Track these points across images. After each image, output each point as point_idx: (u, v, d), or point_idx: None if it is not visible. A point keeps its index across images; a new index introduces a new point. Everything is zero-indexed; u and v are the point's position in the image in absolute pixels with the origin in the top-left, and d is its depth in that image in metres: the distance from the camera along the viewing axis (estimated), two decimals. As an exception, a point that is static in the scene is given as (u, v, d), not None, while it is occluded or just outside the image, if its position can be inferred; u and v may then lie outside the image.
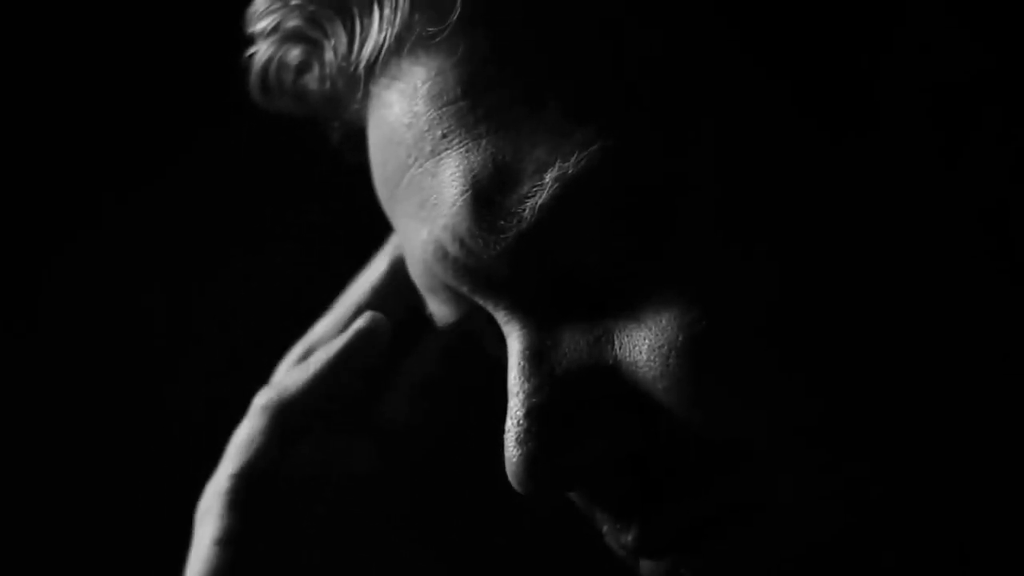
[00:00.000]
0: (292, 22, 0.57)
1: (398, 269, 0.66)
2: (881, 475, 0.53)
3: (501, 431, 0.55)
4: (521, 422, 0.53)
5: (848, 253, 0.52)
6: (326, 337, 0.68)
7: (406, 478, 0.68)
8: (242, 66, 0.61)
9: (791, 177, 0.52)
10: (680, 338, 0.51)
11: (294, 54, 0.58)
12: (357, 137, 0.61)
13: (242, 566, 0.65)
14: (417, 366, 0.67)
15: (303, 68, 0.59)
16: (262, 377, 0.71)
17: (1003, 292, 0.53)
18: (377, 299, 0.67)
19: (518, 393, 0.54)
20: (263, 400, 0.66)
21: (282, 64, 0.59)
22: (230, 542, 0.65)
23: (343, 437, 0.67)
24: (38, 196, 1.02)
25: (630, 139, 0.51)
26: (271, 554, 0.65)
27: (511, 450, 0.53)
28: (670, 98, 0.52)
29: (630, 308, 0.53)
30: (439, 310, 0.59)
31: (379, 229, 0.61)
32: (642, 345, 0.52)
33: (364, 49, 0.55)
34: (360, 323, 0.66)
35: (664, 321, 0.52)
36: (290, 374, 0.66)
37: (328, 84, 0.58)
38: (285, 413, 0.65)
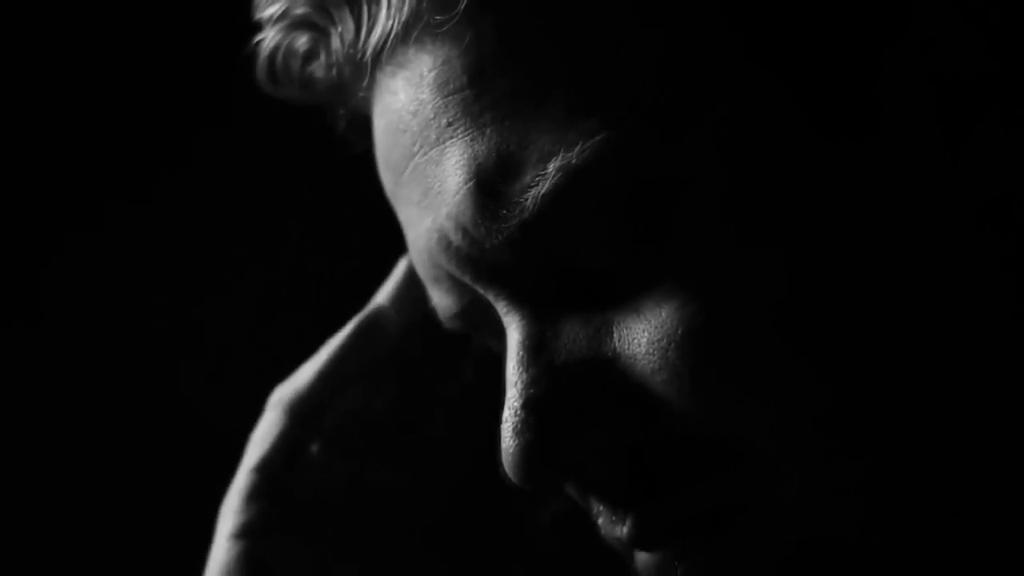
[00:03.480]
0: (299, 9, 0.57)
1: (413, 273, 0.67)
2: (885, 468, 0.53)
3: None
4: (518, 413, 0.53)
5: (854, 245, 0.52)
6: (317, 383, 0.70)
7: (442, 495, 0.69)
8: (244, 61, 0.61)
9: (796, 170, 0.52)
10: (679, 331, 0.51)
11: (301, 41, 0.58)
12: (363, 126, 0.61)
13: (255, 558, 0.66)
14: (455, 385, 0.68)
15: (310, 55, 0.59)
16: (263, 376, 0.71)
17: (1008, 282, 0.53)
18: (395, 301, 0.69)
19: (516, 383, 0.54)
20: (275, 396, 0.68)
21: (289, 51, 0.59)
22: (243, 535, 0.66)
23: (381, 453, 0.69)
24: (38, 196, 1.02)
25: (634, 131, 0.51)
26: (287, 550, 0.66)
27: (507, 441, 0.53)
28: (675, 90, 0.52)
29: (631, 300, 0.53)
30: (441, 300, 0.59)
31: (383, 227, 0.61)
32: (641, 338, 0.52)
33: (371, 37, 0.55)
34: (361, 316, 0.68)
35: (664, 314, 0.52)
36: (300, 370, 0.68)
37: (334, 72, 0.58)
38: (295, 406, 0.67)
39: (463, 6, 0.53)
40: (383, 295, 0.69)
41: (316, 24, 0.57)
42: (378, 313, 0.68)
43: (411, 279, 0.67)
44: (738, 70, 0.52)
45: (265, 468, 0.67)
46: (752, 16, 0.52)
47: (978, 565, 0.55)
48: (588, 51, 0.52)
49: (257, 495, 0.67)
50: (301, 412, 0.68)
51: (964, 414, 0.53)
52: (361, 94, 0.58)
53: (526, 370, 0.54)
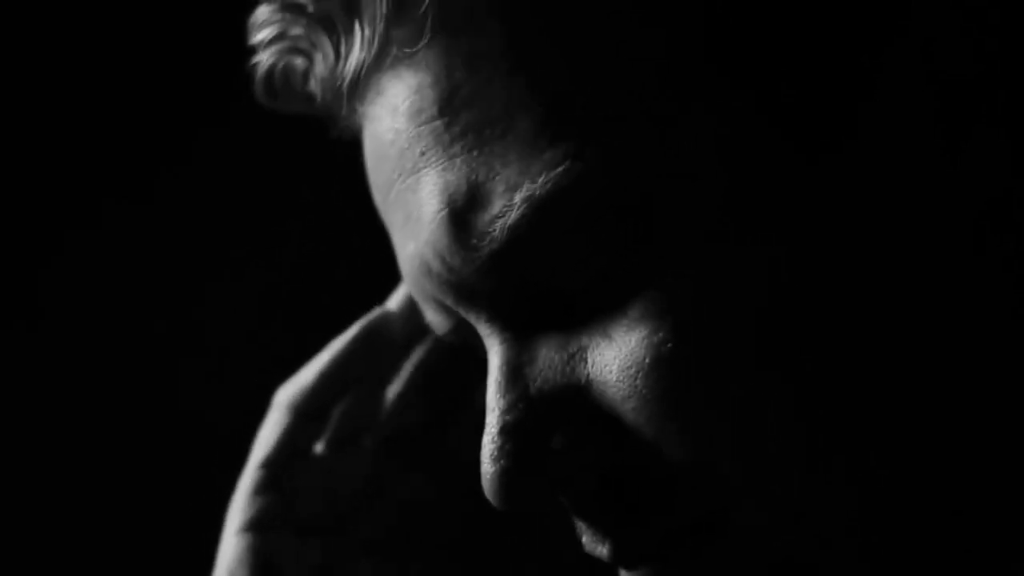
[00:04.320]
0: (293, 31, 0.58)
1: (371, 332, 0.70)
2: (886, 470, 0.53)
3: None
4: (495, 439, 0.54)
5: (853, 246, 0.52)
6: (322, 383, 0.71)
7: (461, 503, 0.70)
8: (243, 68, 0.61)
9: (795, 170, 0.51)
10: (647, 359, 0.52)
11: (298, 61, 0.59)
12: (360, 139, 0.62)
13: (261, 553, 0.67)
14: (478, 401, 0.68)
15: (307, 74, 0.59)
16: (263, 376, 0.71)
17: (1008, 282, 0.53)
18: (404, 308, 0.70)
19: (494, 410, 0.55)
20: (279, 396, 0.69)
21: (289, 67, 0.60)
22: (249, 530, 0.68)
23: (399, 458, 0.70)
24: (38, 196, 1.02)
25: (596, 160, 0.51)
26: (293, 546, 0.67)
27: (485, 466, 0.54)
28: (675, 90, 0.52)
29: (603, 326, 0.53)
30: (433, 319, 0.60)
31: (383, 228, 0.61)
32: (612, 364, 0.53)
33: (348, 65, 0.56)
34: (366, 319, 0.69)
35: (633, 341, 0.52)
36: (304, 370, 0.69)
37: (320, 95, 0.59)
38: (298, 405, 0.68)
39: (429, 36, 0.53)
40: (393, 300, 0.70)
41: (304, 50, 0.58)
42: (384, 317, 0.69)
43: None
44: (738, 70, 0.51)
45: (270, 465, 0.68)
46: (752, 15, 0.52)
47: (978, 565, 0.55)
48: (554, 81, 0.52)
49: (262, 491, 0.68)
50: (304, 411, 0.69)
51: (963, 421, 0.53)
52: (344, 124, 0.59)
53: (503, 396, 0.55)
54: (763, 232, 0.51)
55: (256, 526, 0.67)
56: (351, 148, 0.62)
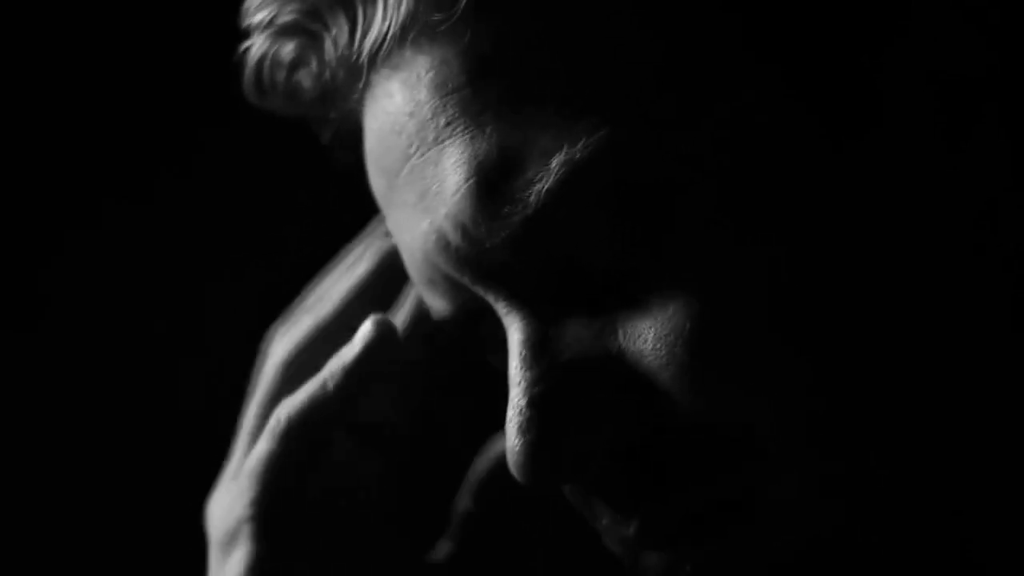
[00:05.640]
0: (288, 15, 0.57)
1: (384, 268, 0.66)
2: (884, 468, 0.53)
3: (491, 425, 0.54)
4: (523, 411, 0.53)
5: (854, 244, 0.52)
6: (317, 339, 0.67)
7: (394, 477, 0.68)
8: (238, 63, 0.61)
9: (795, 170, 0.52)
10: (687, 327, 0.52)
11: (288, 49, 0.58)
12: (349, 137, 0.61)
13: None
14: (396, 364, 0.66)
15: (297, 64, 0.58)
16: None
17: (1008, 282, 0.53)
18: (367, 298, 0.67)
19: (520, 382, 0.54)
20: (283, 421, 0.64)
21: (275, 61, 0.59)
22: (263, 571, 0.63)
23: (349, 443, 0.67)
24: (38, 196, 1.02)
25: (636, 128, 0.51)
26: (301, 572, 0.65)
27: (513, 439, 0.53)
28: (673, 93, 0.52)
29: (634, 298, 0.53)
30: (436, 303, 0.59)
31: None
32: (647, 334, 0.52)
33: (367, 39, 0.55)
34: (369, 329, 0.64)
35: (670, 310, 0.52)
36: (305, 389, 0.65)
37: (327, 76, 0.58)
38: (307, 433, 0.64)
39: (461, 6, 0.53)
40: (357, 296, 0.67)
41: (307, 29, 0.57)
42: (384, 326, 0.65)
43: (378, 277, 0.66)
44: (737, 73, 0.52)
45: (274, 500, 0.64)
46: (752, 17, 0.52)
47: (978, 564, 0.55)
48: (589, 49, 0.52)
49: (269, 528, 0.64)
50: (313, 439, 0.64)
51: (964, 413, 0.53)
52: (355, 97, 0.58)
53: (529, 369, 0.54)
54: (763, 232, 0.52)
55: (263, 568, 0.63)
56: (344, 143, 0.62)
